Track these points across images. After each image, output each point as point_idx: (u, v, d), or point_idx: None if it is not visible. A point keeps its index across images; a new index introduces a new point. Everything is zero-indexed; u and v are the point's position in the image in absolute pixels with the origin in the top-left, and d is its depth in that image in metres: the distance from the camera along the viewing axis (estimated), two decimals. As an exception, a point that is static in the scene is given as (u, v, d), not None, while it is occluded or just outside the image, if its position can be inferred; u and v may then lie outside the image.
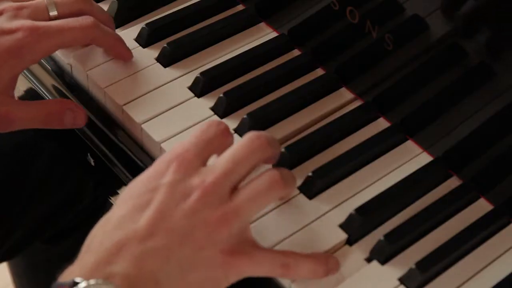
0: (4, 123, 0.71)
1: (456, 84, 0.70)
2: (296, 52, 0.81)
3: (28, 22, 0.71)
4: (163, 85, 0.77)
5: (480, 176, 0.71)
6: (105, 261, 0.58)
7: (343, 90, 0.78)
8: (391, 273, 0.65)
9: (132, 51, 0.79)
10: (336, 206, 0.69)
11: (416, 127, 0.74)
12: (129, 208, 0.61)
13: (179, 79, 0.78)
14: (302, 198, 0.69)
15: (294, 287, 0.64)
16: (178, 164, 0.62)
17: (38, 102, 0.74)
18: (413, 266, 0.64)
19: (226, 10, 0.84)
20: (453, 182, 0.71)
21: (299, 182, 0.70)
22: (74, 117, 0.74)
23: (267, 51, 0.80)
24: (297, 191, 0.69)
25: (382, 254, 0.65)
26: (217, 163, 0.62)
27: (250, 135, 0.63)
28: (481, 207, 0.70)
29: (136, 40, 0.81)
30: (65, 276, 0.58)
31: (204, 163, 0.63)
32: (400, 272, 0.65)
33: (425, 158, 0.73)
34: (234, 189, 0.62)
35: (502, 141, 0.68)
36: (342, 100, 0.77)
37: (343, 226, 0.67)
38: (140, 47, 0.80)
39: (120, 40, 0.77)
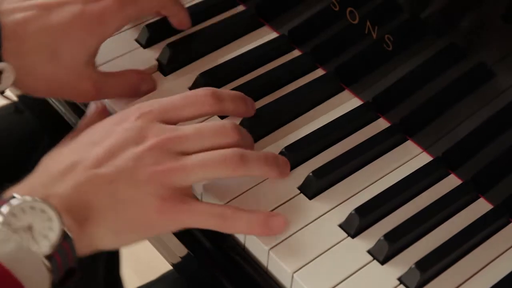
0: (90, 95, 0.73)
1: (455, 84, 0.70)
2: (296, 53, 0.81)
3: None
4: (164, 85, 0.77)
5: (479, 175, 0.71)
6: (48, 183, 0.61)
7: (343, 90, 0.78)
8: (391, 272, 0.65)
9: (133, 51, 0.80)
10: (336, 206, 0.69)
11: (415, 127, 0.74)
12: (83, 143, 0.64)
13: (180, 79, 0.78)
14: (302, 198, 0.69)
15: (295, 286, 0.64)
16: (139, 115, 0.65)
17: (119, 74, 0.75)
18: (413, 266, 0.64)
19: (227, 11, 0.84)
20: (452, 182, 0.72)
21: (299, 182, 0.70)
22: (148, 86, 0.76)
23: (268, 51, 0.81)
24: (297, 191, 0.69)
25: (382, 253, 0.65)
26: (182, 127, 0.65)
27: (224, 122, 0.66)
28: (481, 206, 0.70)
29: (137, 40, 0.81)
30: (7, 193, 0.60)
31: (168, 123, 0.65)
32: (399, 271, 0.65)
33: (424, 158, 0.73)
34: (186, 153, 0.64)
35: (501, 141, 0.68)
36: (342, 100, 0.78)
37: (343, 226, 0.67)
38: (141, 47, 0.80)
39: (185, 11, 0.79)
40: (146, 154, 0.63)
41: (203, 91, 0.68)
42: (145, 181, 0.62)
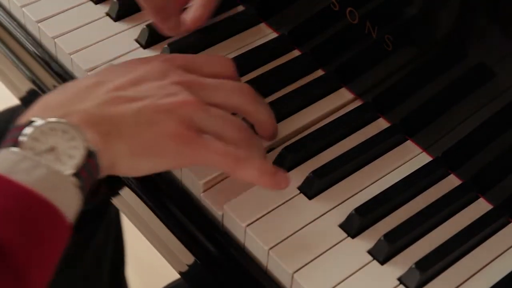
0: None
1: (455, 84, 0.70)
2: (296, 53, 0.81)
3: None
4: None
5: (479, 176, 0.71)
6: (67, 102, 0.61)
7: (343, 90, 0.78)
8: (391, 272, 0.65)
9: (133, 52, 0.79)
10: (336, 206, 0.69)
11: (415, 127, 0.74)
12: (105, 73, 0.65)
13: (180, 79, 0.78)
14: (302, 198, 0.69)
15: (295, 286, 0.64)
16: (163, 59, 0.67)
17: None
18: (413, 266, 0.64)
19: (227, 11, 0.84)
20: (452, 182, 0.72)
21: (299, 182, 0.70)
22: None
23: (268, 51, 0.81)
24: (297, 191, 0.70)
25: (382, 253, 0.65)
26: (204, 77, 0.66)
27: (243, 83, 0.69)
28: (481, 207, 0.70)
29: (137, 40, 0.81)
30: (23, 117, 0.59)
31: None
32: (399, 271, 0.65)
33: (424, 158, 0.73)
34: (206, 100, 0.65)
35: (501, 141, 0.68)
36: (342, 100, 0.78)
37: (343, 226, 0.67)
38: (141, 48, 0.80)
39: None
40: (170, 86, 0.64)
41: (223, 57, 0.70)
42: (167, 108, 0.62)
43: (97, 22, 0.82)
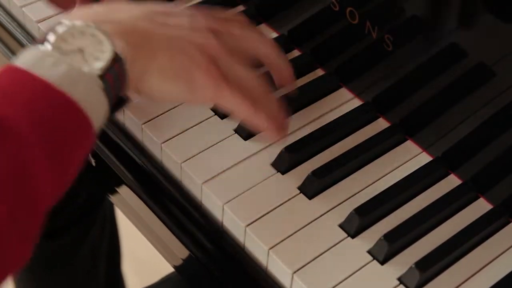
0: None
1: (455, 85, 0.70)
2: (296, 53, 0.81)
3: None
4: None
5: (479, 176, 0.71)
6: (102, 12, 0.61)
7: (343, 90, 0.78)
8: (391, 272, 0.65)
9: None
10: (336, 206, 0.69)
11: (415, 127, 0.74)
12: (148, 2, 0.64)
13: (180, 79, 0.78)
14: (302, 198, 0.69)
15: (295, 286, 0.64)
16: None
17: None
18: (413, 266, 0.64)
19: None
20: (452, 182, 0.72)
21: (299, 182, 0.70)
22: None
23: (267, 51, 0.81)
24: (297, 191, 0.70)
25: (382, 253, 0.65)
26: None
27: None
28: (480, 207, 0.70)
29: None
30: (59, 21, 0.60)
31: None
32: (399, 271, 0.65)
33: (424, 158, 0.73)
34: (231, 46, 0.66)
35: (501, 141, 0.68)
36: (342, 100, 0.78)
37: (343, 226, 0.67)
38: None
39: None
40: (202, 28, 0.64)
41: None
42: (199, 45, 0.62)
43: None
